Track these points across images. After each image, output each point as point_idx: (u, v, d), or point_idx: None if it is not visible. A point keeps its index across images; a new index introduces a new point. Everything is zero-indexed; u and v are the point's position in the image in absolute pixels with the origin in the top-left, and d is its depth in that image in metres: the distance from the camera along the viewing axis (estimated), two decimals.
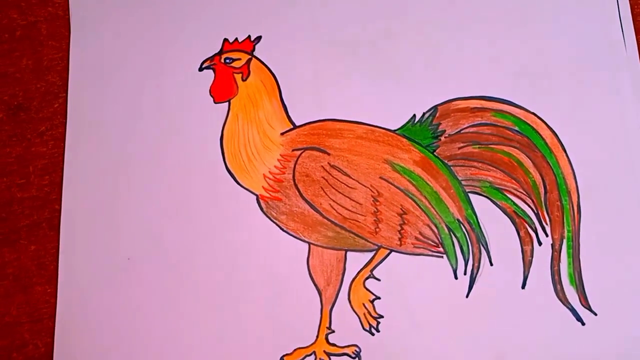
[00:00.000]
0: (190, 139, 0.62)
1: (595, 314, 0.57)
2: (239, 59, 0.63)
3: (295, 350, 0.58)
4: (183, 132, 0.63)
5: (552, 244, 0.58)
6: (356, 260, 0.59)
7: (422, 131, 0.61)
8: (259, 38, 0.64)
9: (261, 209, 0.60)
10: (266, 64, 0.63)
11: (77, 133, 0.63)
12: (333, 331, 0.58)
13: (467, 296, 0.58)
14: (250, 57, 0.63)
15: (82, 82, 0.64)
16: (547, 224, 0.59)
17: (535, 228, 0.59)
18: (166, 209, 0.61)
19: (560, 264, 0.58)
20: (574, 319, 0.57)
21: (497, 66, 0.62)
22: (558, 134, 0.61)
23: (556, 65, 0.62)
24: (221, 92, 0.62)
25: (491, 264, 0.58)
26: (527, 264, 0.58)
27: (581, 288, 0.57)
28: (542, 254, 0.58)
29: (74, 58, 0.65)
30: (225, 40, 0.64)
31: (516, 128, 0.60)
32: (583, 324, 0.57)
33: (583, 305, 0.57)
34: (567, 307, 0.57)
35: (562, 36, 0.63)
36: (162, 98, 0.63)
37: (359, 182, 0.60)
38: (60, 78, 0.64)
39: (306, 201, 0.60)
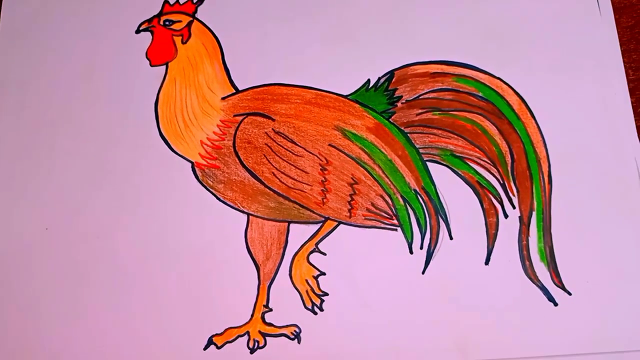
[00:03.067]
0: (122, 103, 0.73)
1: (570, 294, 0.64)
2: (180, 21, 0.74)
3: (226, 330, 0.65)
4: (115, 96, 0.73)
5: (520, 217, 0.66)
6: (300, 233, 0.67)
7: (377, 97, 0.71)
8: (201, 0, 0.76)
9: (196, 177, 0.69)
10: (209, 26, 0.75)
11: (1, 97, 0.74)
12: (270, 309, 0.65)
13: (423, 272, 0.65)
14: (191, 19, 0.75)
15: (10, 43, 0.76)
16: (514, 195, 0.67)
17: (501, 199, 0.67)
18: (91, 176, 0.70)
19: (529, 238, 0.65)
20: (546, 298, 0.64)
21: (461, 29, 0.73)
22: (526, 100, 0.70)
23: (525, 28, 0.73)
24: (158, 55, 0.73)
25: (451, 238, 0.66)
26: (491, 238, 0.66)
27: (553, 265, 0.65)
28: (509, 227, 0.66)
29: (4, 20, 0.77)
30: (166, 2, 0.76)
31: (480, 94, 0.70)
32: (555, 304, 0.64)
33: (555, 284, 0.64)
34: (537, 286, 0.64)
35: None
36: (94, 60, 0.74)
37: (306, 150, 0.69)
38: None
39: (247, 169, 0.69)
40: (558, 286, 0.64)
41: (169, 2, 0.75)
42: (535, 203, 0.66)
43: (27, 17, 0.77)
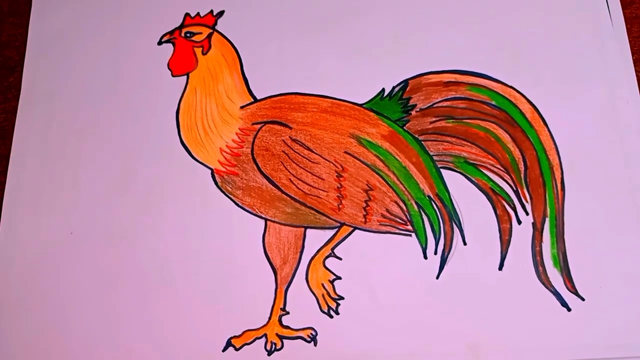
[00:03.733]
0: (145, 112, 0.75)
1: (583, 299, 0.64)
2: (200, 33, 0.76)
3: (244, 332, 0.66)
4: (138, 105, 0.75)
5: (533, 223, 0.67)
6: (316, 238, 0.69)
7: (392, 105, 0.72)
8: (221, 12, 0.79)
9: (216, 183, 0.71)
10: (229, 38, 0.77)
11: (29, 106, 0.77)
12: (287, 312, 0.66)
13: (437, 277, 0.66)
14: (211, 31, 0.77)
15: (38, 56, 0.79)
16: (527, 201, 0.68)
17: (514, 206, 0.68)
18: (115, 183, 0.73)
19: (543, 244, 0.66)
20: (559, 304, 0.64)
21: (473, 39, 0.74)
22: (539, 109, 0.71)
23: (536, 37, 0.74)
24: (179, 66, 0.76)
25: (465, 244, 0.67)
26: (504, 244, 0.67)
27: (566, 270, 0.65)
28: (522, 233, 0.67)
29: (33, 33, 0.80)
30: (187, 14, 0.79)
31: (493, 102, 0.71)
32: (569, 309, 0.64)
33: (569, 289, 0.65)
34: (551, 291, 0.65)
35: (543, 6, 0.75)
36: (118, 72, 0.77)
37: (322, 157, 0.70)
38: (17, 53, 0.80)
39: (264, 176, 0.71)
40: (571, 291, 0.64)
41: (190, 15, 0.78)
42: (548, 209, 0.67)
43: (54, 30, 0.80)
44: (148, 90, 0.76)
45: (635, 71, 0.72)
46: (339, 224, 0.69)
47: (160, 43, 0.77)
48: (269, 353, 0.65)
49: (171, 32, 0.77)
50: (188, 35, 0.76)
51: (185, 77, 0.75)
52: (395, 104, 0.72)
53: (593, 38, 0.73)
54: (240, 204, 0.70)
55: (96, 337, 0.67)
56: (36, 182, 0.73)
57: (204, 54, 0.75)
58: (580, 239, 0.66)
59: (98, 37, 0.79)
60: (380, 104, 0.72)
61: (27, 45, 0.80)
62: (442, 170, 0.69)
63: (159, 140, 0.73)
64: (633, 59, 0.72)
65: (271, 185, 0.70)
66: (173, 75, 0.75)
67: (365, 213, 0.68)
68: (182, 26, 0.77)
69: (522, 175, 0.68)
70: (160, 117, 0.74)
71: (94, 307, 0.68)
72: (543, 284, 0.65)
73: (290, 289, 0.67)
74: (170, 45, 0.77)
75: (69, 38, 0.79)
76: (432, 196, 0.68)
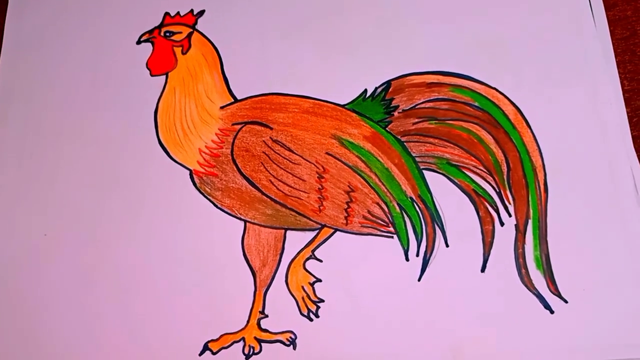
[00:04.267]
0: (123, 112, 0.74)
1: (566, 301, 0.64)
2: (180, 32, 0.76)
3: (222, 336, 0.65)
4: (116, 105, 0.74)
5: (515, 225, 0.66)
6: (297, 240, 0.68)
7: (374, 106, 0.71)
8: (202, 12, 0.78)
9: (194, 184, 0.70)
10: (209, 37, 0.76)
11: (5, 107, 0.76)
12: (266, 316, 0.65)
13: (419, 279, 0.65)
14: (191, 30, 0.76)
15: (15, 56, 0.78)
16: (510, 203, 0.67)
17: (497, 207, 0.67)
18: (92, 184, 0.71)
19: (525, 246, 0.65)
20: (542, 306, 0.64)
21: (456, 40, 0.74)
22: (522, 110, 0.71)
23: (519, 39, 0.73)
24: (158, 65, 0.75)
25: (447, 245, 0.66)
26: (487, 246, 0.66)
27: (549, 272, 0.65)
28: (505, 235, 0.66)
29: (9, 32, 0.79)
30: (167, 14, 0.78)
31: (476, 103, 0.70)
32: (552, 312, 0.63)
33: (552, 292, 0.64)
34: (534, 293, 0.64)
35: (526, 8, 0.74)
36: (96, 71, 0.76)
37: (303, 158, 0.69)
38: None
39: (244, 177, 0.70)
40: (554, 294, 0.64)
41: (169, 14, 0.77)
42: (531, 211, 0.66)
43: (31, 30, 0.79)
44: (126, 90, 0.75)
45: (619, 73, 0.71)
46: (319, 226, 0.68)
47: (139, 42, 0.76)
48: (247, 357, 0.64)
49: (150, 32, 0.76)
50: (168, 34, 0.75)
51: (164, 76, 0.74)
52: (377, 105, 0.71)
53: (576, 40, 0.73)
54: (219, 205, 0.69)
55: (72, 341, 0.66)
56: (12, 183, 0.72)
57: (183, 53, 0.74)
58: (563, 241, 0.65)
59: (76, 36, 0.78)
60: (362, 105, 0.71)
61: (2, 44, 0.78)
62: (424, 171, 0.69)
63: (137, 140, 0.72)
64: (616, 61, 0.72)
65: (251, 187, 0.69)
66: (152, 75, 0.75)
67: (346, 214, 0.67)
68: (161, 25, 0.76)
69: (505, 177, 0.68)
70: (138, 117, 0.73)
71: (69, 310, 0.67)
72: (526, 286, 0.64)
73: (269, 291, 0.66)
74: (149, 45, 0.76)
75: (47, 37, 0.78)
76: (414, 197, 0.68)
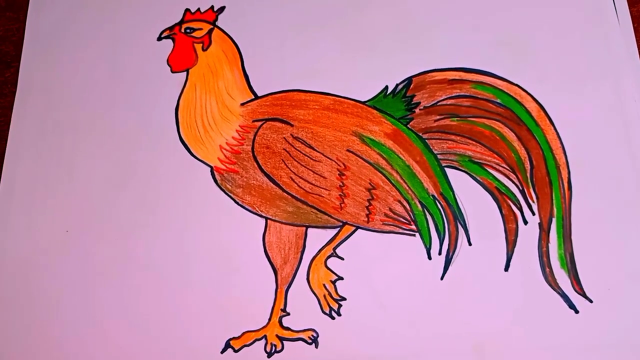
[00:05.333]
0: (144, 109, 0.73)
1: (591, 301, 0.63)
2: (200, 29, 0.75)
3: (243, 333, 0.64)
4: (136, 102, 0.74)
5: (539, 223, 0.66)
6: (318, 238, 0.67)
7: (395, 103, 0.71)
8: (222, 8, 0.77)
9: (215, 181, 0.70)
10: (229, 34, 0.75)
11: (25, 102, 0.75)
12: (288, 314, 0.65)
13: (441, 278, 0.65)
14: (212, 27, 0.75)
15: (35, 51, 0.77)
16: (533, 201, 0.66)
17: (520, 206, 0.66)
18: (112, 180, 0.71)
19: (550, 245, 0.65)
20: (566, 306, 0.63)
21: (477, 36, 0.73)
22: (545, 107, 0.70)
23: (542, 34, 0.72)
24: (179, 62, 0.74)
25: (470, 244, 0.65)
26: (510, 244, 0.65)
27: (573, 272, 0.64)
28: (529, 233, 0.65)
29: (30, 27, 0.79)
30: (187, 10, 0.77)
31: (498, 100, 0.69)
32: (576, 311, 0.63)
33: (576, 291, 0.63)
34: (558, 293, 0.63)
35: (548, 3, 0.73)
36: (117, 67, 0.75)
37: (324, 155, 0.69)
38: (14, 48, 0.78)
39: (265, 174, 0.69)
40: (579, 293, 0.63)
41: (190, 11, 0.76)
42: (555, 209, 0.66)
43: (52, 25, 0.79)
44: (147, 87, 0.74)
45: None
46: (341, 224, 0.67)
47: (160, 39, 0.76)
48: (269, 355, 0.63)
49: (171, 28, 0.75)
50: (188, 31, 0.74)
51: (185, 73, 0.73)
52: (398, 101, 0.70)
53: (599, 36, 0.72)
54: (240, 203, 0.68)
55: (91, 337, 0.65)
56: (32, 179, 0.72)
57: (204, 50, 0.73)
58: (588, 240, 0.64)
59: (96, 32, 0.77)
60: (383, 102, 0.71)
61: (24, 39, 0.78)
62: (446, 169, 0.68)
63: (158, 137, 0.72)
64: None
65: (272, 184, 0.68)
66: (172, 72, 0.74)
67: (367, 212, 0.66)
68: (182, 22, 0.76)
69: (528, 175, 0.67)
70: (159, 113, 0.73)
71: (89, 306, 0.66)
72: (550, 285, 0.63)
73: (290, 289, 0.65)
74: (170, 41, 0.75)
75: (67, 33, 0.78)
76: (436, 195, 0.67)
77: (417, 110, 0.70)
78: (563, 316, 0.62)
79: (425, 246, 0.66)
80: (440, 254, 0.65)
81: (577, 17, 0.73)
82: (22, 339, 0.66)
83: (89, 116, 0.74)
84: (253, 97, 0.72)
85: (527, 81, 0.70)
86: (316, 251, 0.67)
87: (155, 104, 0.73)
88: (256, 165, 0.69)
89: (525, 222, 0.66)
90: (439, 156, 0.68)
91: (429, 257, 0.65)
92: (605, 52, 0.71)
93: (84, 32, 0.78)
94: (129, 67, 0.75)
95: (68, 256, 0.68)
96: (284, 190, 0.68)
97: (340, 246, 0.66)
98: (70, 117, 0.74)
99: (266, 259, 0.66)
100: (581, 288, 0.63)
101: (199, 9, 0.76)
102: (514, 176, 0.67)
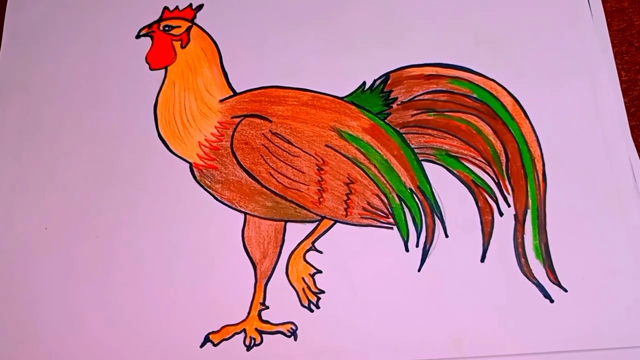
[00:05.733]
0: (123, 106, 0.73)
1: (566, 290, 0.63)
2: (179, 27, 0.75)
3: (222, 327, 0.64)
4: (115, 99, 0.74)
5: (515, 215, 0.66)
6: (297, 232, 0.67)
7: (373, 99, 0.71)
8: (200, 6, 0.77)
9: (194, 177, 0.70)
10: (208, 31, 0.76)
11: (4, 100, 0.75)
12: (267, 307, 0.65)
13: (419, 270, 0.65)
14: (190, 24, 0.76)
15: (14, 49, 0.77)
16: (509, 193, 0.67)
17: (496, 198, 0.67)
18: (92, 177, 0.71)
19: (525, 236, 0.65)
20: (541, 295, 0.63)
21: (454, 32, 0.74)
22: (520, 101, 0.70)
23: (517, 30, 0.73)
24: (158, 59, 0.74)
25: (446, 236, 0.66)
26: (486, 236, 0.66)
27: (548, 262, 0.64)
28: (504, 225, 0.66)
29: (8, 24, 0.78)
30: (166, 8, 0.77)
31: (474, 95, 0.70)
32: (552, 301, 0.63)
33: (551, 281, 0.64)
34: (533, 283, 0.64)
35: (523, 1, 0.74)
36: (96, 65, 0.75)
37: (303, 150, 0.69)
38: None
39: (244, 169, 0.69)
40: (554, 283, 0.63)
41: (168, 8, 0.77)
42: (530, 201, 0.66)
43: (31, 23, 0.78)
44: (126, 84, 0.74)
45: (616, 64, 0.71)
46: (319, 218, 0.67)
47: (138, 37, 0.76)
48: (248, 348, 0.63)
49: (149, 26, 0.76)
50: (166, 28, 0.75)
51: (163, 70, 0.73)
52: (376, 97, 0.71)
53: (574, 31, 0.73)
54: (219, 198, 0.69)
55: (69, 334, 0.65)
56: (11, 177, 0.72)
57: (182, 47, 0.74)
58: (563, 231, 0.65)
59: (76, 30, 0.77)
60: (361, 97, 0.71)
61: (2, 37, 0.78)
62: (423, 162, 0.68)
63: (137, 134, 0.72)
64: (613, 52, 0.72)
65: (251, 179, 0.69)
66: (151, 69, 0.74)
67: (346, 206, 0.67)
68: (160, 20, 0.76)
69: (504, 168, 0.68)
70: (137, 111, 0.73)
71: (68, 302, 0.66)
72: (525, 275, 0.64)
73: (270, 283, 0.66)
74: (148, 39, 0.75)
75: (46, 31, 0.78)
76: (413, 189, 0.67)
77: (394, 106, 0.70)
78: (539, 306, 0.63)
79: (403, 239, 0.66)
80: (417, 246, 0.66)
81: (552, 13, 0.74)
82: (1, 337, 0.65)
83: (68, 114, 0.74)
84: (232, 93, 0.72)
85: (504, 77, 0.71)
86: (295, 245, 0.67)
87: (134, 102, 0.73)
88: (235, 161, 0.69)
89: (501, 214, 0.66)
90: (416, 150, 0.69)
91: (407, 250, 0.66)
92: (579, 47, 0.72)
93: (63, 31, 0.78)
94: (108, 65, 0.75)
95: (47, 254, 0.68)
96: (262, 186, 0.68)
97: (319, 240, 0.67)
98: (50, 114, 0.74)
99: (245, 254, 0.67)
100: (556, 278, 0.64)
101: (177, 7, 0.77)
102: (490, 169, 0.68)
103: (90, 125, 0.73)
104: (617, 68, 0.72)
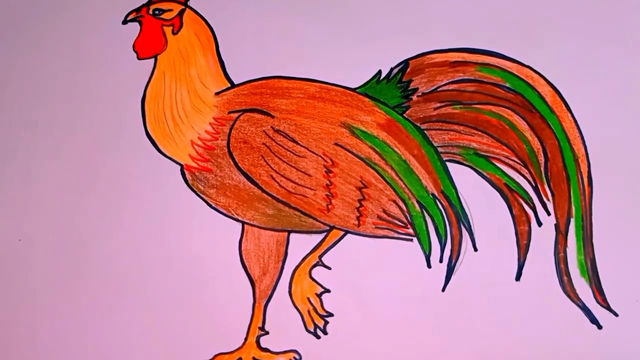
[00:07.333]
0: (107, 100, 0.67)
1: (616, 315, 0.57)
2: (171, 10, 0.68)
3: (216, 356, 0.59)
4: (98, 93, 0.67)
5: (556, 225, 0.59)
6: (301, 244, 0.61)
7: (390, 89, 0.64)
8: None
9: (186, 181, 0.64)
10: (203, 15, 0.68)
11: None
12: (267, 332, 0.59)
13: (443, 290, 0.59)
14: (183, 7, 0.68)
15: None
16: (548, 199, 0.60)
17: (534, 204, 0.60)
18: (72, 182, 0.65)
19: (567, 250, 0.59)
20: (588, 320, 0.57)
21: (482, 12, 0.65)
22: (560, 91, 0.62)
23: (554, 10, 0.65)
24: (147, 47, 0.67)
25: (475, 249, 0.60)
26: (522, 249, 0.59)
27: (595, 280, 0.58)
28: (543, 237, 0.59)
29: None
30: None
31: (507, 84, 0.63)
32: (599, 327, 0.57)
33: (599, 303, 0.57)
34: (578, 305, 0.57)
35: None
36: (77, 55, 0.69)
37: (309, 150, 0.62)
38: None
39: (242, 172, 0.63)
40: (602, 306, 0.58)
41: None
42: (573, 209, 0.60)
43: (6, 9, 0.72)
44: (110, 76, 0.68)
45: None
46: (327, 228, 0.62)
47: (125, 22, 0.69)
48: None
49: (138, 10, 0.69)
50: (157, 12, 0.68)
51: (152, 60, 0.67)
52: (393, 88, 0.64)
53: (621, 10, 0.64)
54: (213, 205, 0.63)
55: (46, 354, 0.61)
56: None
57: (174, 33, 0.67)
58: (612, 243, 0.59)
59: (56, 16, 0.70)
60: (376, 88, 0.65)
61: None
62: (448, 163, 0.62)
63: (122, 132, 0.66)
64: None
65: (250, 183, 0.63)
66: (139, 58, 0.67)
67: (358, 214, 0.61)
68: (150, 3, 0.69)
69: (542, 169, 0.61)
70: (123, 106, 0.66)
71: (48, 321, 0.62)
72: (569, 296, 0.58)
73: (270, 304, 0.61)
74: (136, 25, 0.68)
75: (23, 18, 0.71)
76: (436, 194, 0.61)
77: (414, 97, 0.64)
78: (584, 332, 0.57)
79: (424, 252, 0.60)
80: (441, 261, 0.60)
81: None
82: None
83: (47, 110, 0.68)
84: (229, 85, 0.66)
85: (540, 63, 0.63)
86: (299, 260, 0.61)
87: (119, 95, 0.67)
88: (232, 163, 0.63)
89: (539, 224, 0.60)
90: (439, 149, 0.62)
91: (429, 266, 0.60)
92: (628, 27, 0.64)
93: (42, 18, 0.71)
94: (91, 54, 0.69)
95: (22, 267, 0.63)
96: (263, 191, 0.62)
97: (327, 254, 0.61)
98: (26, 111, 0.68)
99: (242, 269, 0.61)
100: (605, 300, 0.58)
101: None
102: (526, 171, 0.61)
103: (70, 123, 0.67)
104: None
